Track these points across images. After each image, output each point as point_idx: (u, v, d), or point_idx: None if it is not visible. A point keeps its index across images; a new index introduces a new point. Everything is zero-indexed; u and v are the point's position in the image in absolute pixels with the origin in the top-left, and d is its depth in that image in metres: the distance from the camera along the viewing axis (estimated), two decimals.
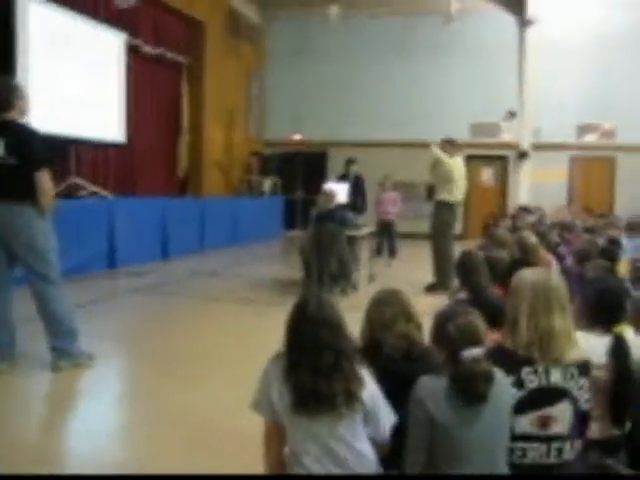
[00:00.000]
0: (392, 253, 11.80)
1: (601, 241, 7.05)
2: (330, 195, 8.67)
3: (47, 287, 4.53)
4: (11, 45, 8.62)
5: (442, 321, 2.34)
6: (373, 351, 2.65)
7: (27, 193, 4.34)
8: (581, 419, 2.40)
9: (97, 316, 6.65)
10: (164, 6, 13.03)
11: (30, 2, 8.96)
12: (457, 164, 8.86)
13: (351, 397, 2.21)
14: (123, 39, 11.25)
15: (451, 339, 2.26)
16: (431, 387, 2.20)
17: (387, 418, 2.32)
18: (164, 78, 13.91)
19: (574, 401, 2.36)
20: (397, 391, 2.42)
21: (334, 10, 15.03)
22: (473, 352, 2.20)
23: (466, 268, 4.12)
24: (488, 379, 2.18)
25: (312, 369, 2.22)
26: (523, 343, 2.38)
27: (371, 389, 2.29)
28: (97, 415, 4.03)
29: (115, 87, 11.09)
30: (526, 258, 4.53)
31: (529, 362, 2.34)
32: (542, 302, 2.42)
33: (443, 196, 8.77)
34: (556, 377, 2.34)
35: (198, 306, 7.50)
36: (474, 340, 2.24)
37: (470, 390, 2.16)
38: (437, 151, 8.69)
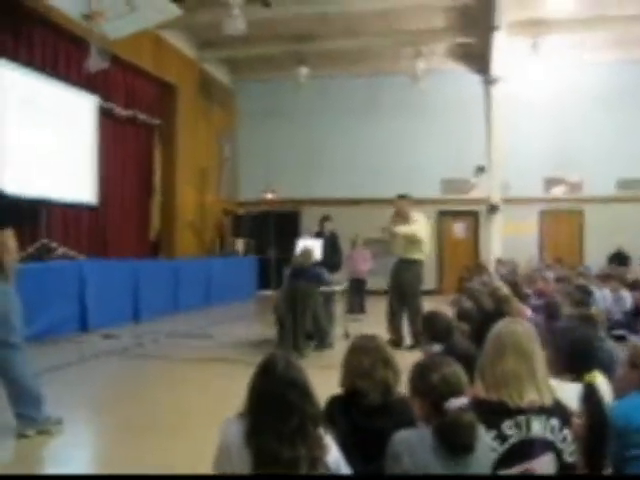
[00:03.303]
0: (361, 309, 11.79)
1: (571, 290, 7.09)
2: (308, 252, 8.67)
3: (9, 353, 4.36)
4: None
5: (423, 371, 2.28)
6: (352, 399, 2.60)
7: None
8: (567, 472, 2.35)
9: (67, 380, 6.46)
10: (136, 69, 13.17)
11: (1, 67, 9.00)
12: (422, 222, 8.87)
13: (315, 463, 2.11)
14: (95, 102, 11.32)
15: (435, 389, 2.19)
16: (408, 441, 2.14)
17: None
18: (136, 140, 13.96)
19: (558, 453, 2.31)
20: (372, 444, 2.37)
21: (303, 71, 15.32)
22: (458, 402, 2.14)
23: (435, 327, 4.15)
24: (474, 429, 2.13)
25: (276, 433, 2.11)
26: (488, 387, 2.37)
27: (335, 455, 2.20)
28: None
29: (87, 149, 11.11)
30: (500, 309, 4.53)
31: (508, 414, 2.30)
32: (498, 347, 2.46)
33: (418, 255, 8.74)
34: (537, 429, 2.30)
35: (170, 368, 7.33)
36: (458, 390, 2.19)
37: (457, 441, 2.10)
38: (403, 229, 8.69)
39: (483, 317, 4.18)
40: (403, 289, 8.73)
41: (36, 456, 4.31)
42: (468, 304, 4.76)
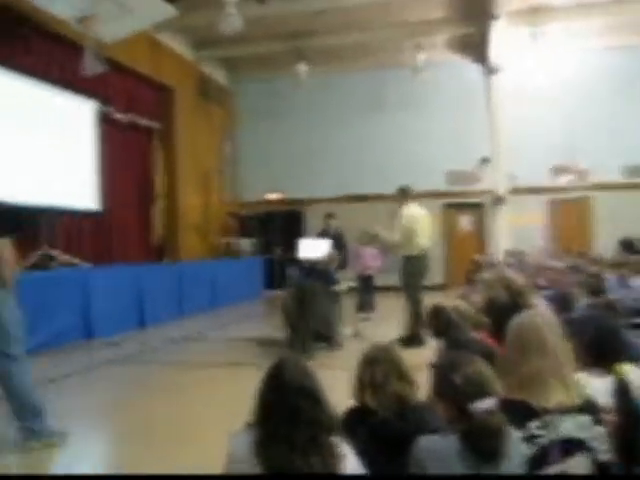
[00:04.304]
0: (370, 307, 11.63)
1: (585, 278, 6.92)
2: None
3: (9, 365, 4.25)
4: None
5: (446, 372, 2.11)
6: (365, 413, 2.45)
7: None
8: (602, 472, 2.19)
9: (73, 390, 6.35)
10: (133, 73, 13.05)
11: None
12: (417, 212, 8.71)
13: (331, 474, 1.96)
14: (93, 107, 11.18)
15: (458, 391, 2.02)
16: (433, 448, 1.98)
17: None
18: (136, 144, 13.83)
19: (591, 453, 2.15)
20: (390, 453, 2.25)
21: (302, 68, 15.15)
22: (485, 404, 1.97)
23: (437, 321, 4.06)
24: (503, 434, 1.97)
25: (287, 444, 1.97)
26: (512, 387, 2.21)
27: (352, 464, 2.05)
28: None
29: (87, 155, 10.97)
30: (516, 302, 4.35)
31: (535, 414, 2.15)
32: (519, 344, 2.31)
33: (408, 251, 8.56)
34: (567, 428, 2.14)
35: (177, 374, 7.20)
36: (484, 391, 2.01)
37: (485, 447, 1.94)
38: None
39: (499, 310, 4.02)
40: (402, 285, 8.66)
41: (41, 469, 4.18)
42: (481, 296, 4.62)
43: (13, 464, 4.24)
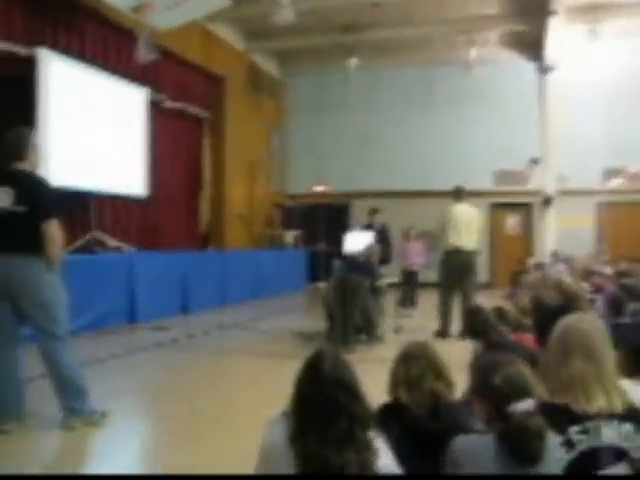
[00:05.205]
0: (412, 302, 11.55)
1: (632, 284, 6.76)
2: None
3: (54, 344, 4.34)
4: (32, 100, 8.69)
5: (485, 373, 2.07)
6: (399, 409, 2.44)
7: (35, 244, 4.21)
8: None
9: (115, 372, 6.47)
10: (185, 62, 13.20)
11: (52, 59, 9.07)
12: (457, 211, 8.82)
13: (364, 468, 1.93)
14: (145, 94, 11.34)
15: (497, 392, 1.98)
16: (469, 448, 1.94)
17: None
18: (186, 132, 13.99)
19: (634, 464, 2.08)
20: (422, 450, 2.25)
21: (353, 62, 15.10)
22: (524, 405, 1.93)
23: (473, 322, 4.01)
24: (542, 436, 1.92)
25: (322, 436, 1.94)
26: (553, 390, 2.15)
27: (387, 459, 2.02)
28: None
29: (137, 141, 11.14)
30: (568, 305, 4.24)
31: (576, 419, 2.09)
32: (563, 347, 2.22)
33: (443, 245, 8.89)
34: (609, 435, 2.06)
35: (218, 361, 7.28)
36: (524, 392, 1.98)
37: (522, 449, 1.89)
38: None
39: (546, 312, 3.94)
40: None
41: (82, 448, 4.27)
42: (528, 299, 4.54)
43: (56, 442, 4.34)
